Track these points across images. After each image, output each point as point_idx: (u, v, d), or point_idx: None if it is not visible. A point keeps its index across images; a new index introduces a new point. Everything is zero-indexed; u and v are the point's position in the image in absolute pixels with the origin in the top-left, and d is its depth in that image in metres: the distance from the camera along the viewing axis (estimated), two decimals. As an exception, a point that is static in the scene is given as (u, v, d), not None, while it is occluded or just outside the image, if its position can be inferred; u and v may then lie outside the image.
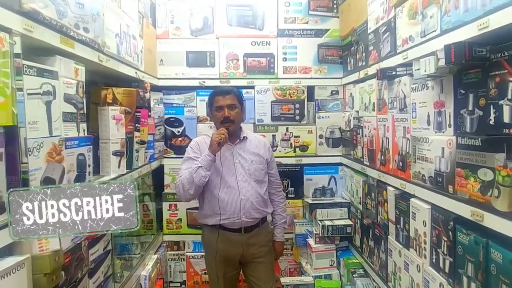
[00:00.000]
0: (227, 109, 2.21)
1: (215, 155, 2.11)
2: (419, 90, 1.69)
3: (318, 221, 2.82)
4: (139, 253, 2.55)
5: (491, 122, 1.20)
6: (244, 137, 2.31)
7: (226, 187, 2.19)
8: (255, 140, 2.36)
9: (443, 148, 1.47)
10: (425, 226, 1.63)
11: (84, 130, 1.58)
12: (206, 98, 3.00)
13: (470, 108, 1.33)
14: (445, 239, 1.47)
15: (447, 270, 1.47)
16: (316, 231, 2.87)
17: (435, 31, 1.53)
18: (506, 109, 1.13)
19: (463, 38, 1.30)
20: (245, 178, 2.22)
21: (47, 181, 1.28)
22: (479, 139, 1.25)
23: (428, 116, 1.62)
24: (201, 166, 2.08)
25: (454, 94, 1.42)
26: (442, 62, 1.31)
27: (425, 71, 1.43)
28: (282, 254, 2.59)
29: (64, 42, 1.37)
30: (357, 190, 2.64)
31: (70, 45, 1.43)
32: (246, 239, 2.23)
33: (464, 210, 1.32)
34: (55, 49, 1.34)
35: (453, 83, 1.42)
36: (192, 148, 2.28)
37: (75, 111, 1.49)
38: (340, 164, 3.06)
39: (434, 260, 1.57)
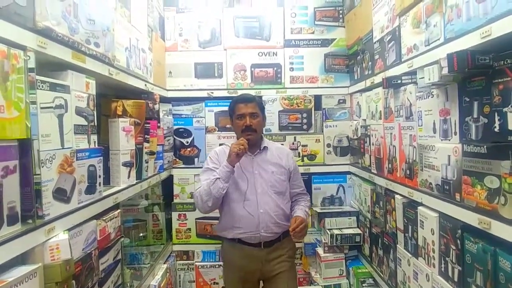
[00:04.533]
0: (249, 117, 2.15)
1: (233, 166, 2.05)
2: (425, 98, 1.69)
3: (327, 230, 2.82)
4: (148, 263, 2.58)
5: (496, 130, 1.20)
6: (264, 147, 2.24)
7: (244, 199, 2.11)
8: (276, 150, 2.28)
9: (449, 156, 1.47)
10: (433, 234, 1.62)
11: (94, 142, 1.62)
12: (214, 108, 3.08)
13: (475, 115, 1.33)
14: (454, 247, 1.46)
15: (456, 279, 1.45)
16: (325, 240, 2.86)
17: (439, 39, 1.54)
18: (510, 116, 1.13)
19: (466, 46, 1.31)
20: (265, 190, 2.13)
21: (59, 191, 1.31)
22: (485, 146, 1.25)
23: (434, 124, 1.62)
24: (219, 178, 2.03)
25: (459, 102, 1.43)
26: (445, 71, 1.32)
27: (429, 79, 1.44)
28: (302, 232, 2.07)
29: (75, 57, 1.42)
30: (365, 198, 2.63)
31: (82, 60, 1.48)
32: (266, 255, 2.12)
33: (472, 218, 1.32)
34: (67, 64, 1.39)
35: (458, 91, 1.43)
36: (211, 159, 2.23)
37: (86, 123, 1.53)
38: (348, 172, 3.05)
39: (443, 269, 1.56)
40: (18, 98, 1.09)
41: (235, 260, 2.15)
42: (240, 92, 3.06)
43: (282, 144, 3.02)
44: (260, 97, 2.98)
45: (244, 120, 2.15)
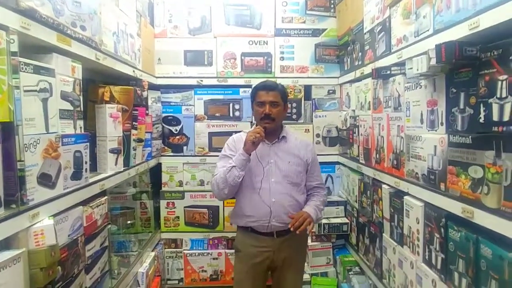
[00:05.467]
0: (268, 105, 2.09)
1: (249, 155, 2.01)
2: (413, 89, 1.70)
3: (315, 219, 2.84)
4: (136, 251, 2.57)
5: (481, 120, 1.22)
6: (283, 136, 2.18)
7: (258, 187, 2.07)
8: (295, 140, 2.22)
9: (435, 146, 1.49)
10: (418, 223, 1.64)
11: (81, 128, 1.59)
12: (204, 96, 3.06)
13: (461, 106, 1.34)
14: (437, 236, 1.49)
15: (439, 266, 1.48)
16: (313, 229, 2.89)
17: (428, 30, 1.55)
18: (495, 107, 1.15)
19: (455, 37, 1.32)
20: (279, 179, 2.08)
21: (43, 177, 1.29)
22: (470, 137, 1.26)
23: (422, 114, 1.63)
24: (235, 166, 2.00)
25: (446, 93, 1.44)
26: (433, 62, 1.33)
27: (417, 70, 1.45)
28: (303, 228, 1.97)
29: (61, 40, 1.39)
30: (353, 188, 2.66)
31: (67, 43, 1.44)
32: (278, 244, 2.09)
33: (455, 207, 1.34)
34: (52, 47, 1.36)
35: (445, 82, 1.44)
36: (228, 146, 2.19)
37: (71, 108, 1.51)
38: (337, 163, 3.07)
39: (427, 257, 1.59)
40: (0, 81, 1.07)
41: (247, 247, 2.13)
42: (229, 81, 3.05)
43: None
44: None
45: (263, 108, 2.09)
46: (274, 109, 2.10)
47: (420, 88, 1.64)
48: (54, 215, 1.35)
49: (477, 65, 1.24)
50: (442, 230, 1.45)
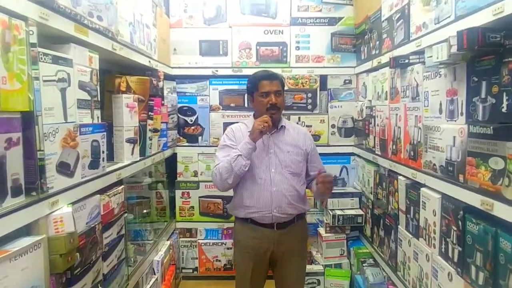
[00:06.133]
0: (274, 95, 2.07)
1: (255, 143, 1.99)
2: (432, 78, 1.66)
3: (329, 211, 2.83)
4: (152, 239, 2.62)
5: (504, 110, 1.18)
6: (282, 126, 2.16)
7: (258, 178, 2.05)
8: (294, 130, 2.20)
9: (454, 137, 1.45)
10: (435, 215, 1.62)
11: (98, 117, 1.61)
12: (219, 87, 3.06)
13: (483, 96, 1.30)
14: (455, 228, 1.46)
15: (455, 259, 1.46)
16: (326, 220, 2.88)
17: (449, 17, 1.50)
18: (519, 97, 1.11)
19: (477, 24, 1.27)
20: (280, 169, 2.06)
21: (62, 165, 1.32)
22: (491, 127, 1.23)
23: (440, 104, 1.59)
24: (241, 155, 1.96)
25: (467, 82, 1.40)
26: (454, 49, 1.29)
27: (437, 58, 1.41)
28: (329, 186, 2.03)
29: (78, 30, 1.40)
30: (368, 180, 2.63)
31: (84, 33, 1.46)
32: (279, 236, 2.06)
33: (474, 199, 1.31)
34: (69, 37, 1.38)
35: (466, 71, 1.40)
36: (227, 136, 2.16)
37: (89, 98, 1.53)
38: (352, 154, 3.04)
39: (443, 250, 1.56)
40: (20, 70, 1.09)
41: (247, 240, 2.11)
42: (244, 71, 3.03)
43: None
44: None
45: (269, 97, 2.06)
46: (279, 98, 2.09)
47: (439, 77, 1.60)
48: (73, 203, 1.38)
49: (500, 53, 1.20)
50: (460, 222, 1.42)
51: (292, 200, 2.06)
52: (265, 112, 2.07)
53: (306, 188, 2.22)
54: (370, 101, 2.59)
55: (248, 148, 1.97)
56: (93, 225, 1.52)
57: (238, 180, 2.05)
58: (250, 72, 2.98)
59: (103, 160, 1.65)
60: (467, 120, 1.41)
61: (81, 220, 1.44)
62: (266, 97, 2.07)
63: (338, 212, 2.77)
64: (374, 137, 2.45)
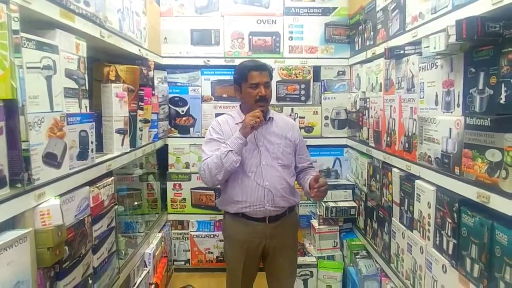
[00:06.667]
0: (263, 87, 2.01)
1: (246, 138, 1.93)
2: (428, 69, 1.64)
3: (322, 203, 2.82)
4: (143, 232, 2.58)
5: (502, 101, 1.16)
6: (270, 117, 2.11)
7: (248, 171, 2.00)
8: (281, 121, 2.16)
9: (450, 129, 1.44)
10: (429, 208, 1.61)
11: (86, 107, 1.56)
12: (211, 77, 3.01)
13: (480, 87, 1.28)
14: (450, 221, 1.45)
15: (450, 251, 1.45)
16: (320, 212, 2.87)
17: (446, 6, 1.47)
18: (518, 88, 1.09)
19: (475, 13, 1.24)
20: (270, 162, 2.02)
21: (49, 156, 1.27)
22: (488, 119, 1.21)
23: (436, 96, 1.58)
24: (232, 150, 1.90)
25: (464, 73, 1.38)
26: (452, 39, 1.27)
27: (434, 48, 1.38)
28: (323, 193, 1.99)
29: (64, 15, 1.34)
30: (362, 172, 2.62)
31: (70, 18, 1.40)
32: (270, 230, 2.03)
33: (470, 192, 1.30)
34: (54, 22, 1.32)
35: (464, 61, 1.38)
36: (214, 129, 2.09)
37: (76, 87, 1.48)
38: (346, 146, 3.03)
39: (437, 242, 1.56)
40: (2, 56, 1.03)
41: (238, 235, 2.07)
42: (237, 61, 2.97)
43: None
44: None
45: (258, 89, 2.00)
46: (268, 90, 2.05)
47: (435, 68, 1.57)
48: (61, 195, 1.33)
49: (499, 43, 1.17)
50: (455, 215, 1.42)
51: (284, 192, 2.04)
52: (253, 105, 2.02)
53: (295, 180, 2.20)
54: (364, 92, 2.57)
55: (239, 143, 1.92)
56: (82, 218, 1.48)
57: (228, 176, 2.00)
58: (242, 62, 2.98)
59: (92, 151, 1.60)
60: (463, 111, 1.39)
61: (69, 212, 1.39)
62: (255, 88, 2.01)
63: (331, 204, 2.76)
64: (368, 129, 2.43)
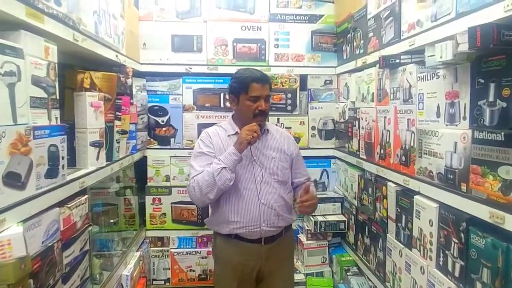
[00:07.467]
0: (264, 100, 1.88)
1: (241, 154, 1.79)
2: (428, 79, 1.56)
3: (310, 217, 2.71)
4: (120, 250, 2.39)
5: (517, 115, 1.08)
6: (265, 129, 1.98)
7: (243, 189, 1.86)
8: (277, 133, 2.03)
9: (456, 143, 1.35)
10: (431, 225, 1.52)
11: (56, 118, 1.39)
12: (193, 85, 2.86)
13: (491, 99, 1.20)
14: (456, 241, 1.36)
15: (457, 274, 1.36)
16: (308, 227, 2.76)
17: (449, 14, 1.40)
18: (536, 100, 1.01)
19: (483, 21, 1.16)
20: (266, 178, 1.89)
21: (11, 176, 1.10)
22: (502, 133, 1.13)
23: (438, 107, 1.49)
24: (225, 167, 1.76)
25: (471, 84, 1.30)
26: (462, 47, 1.18)
27: (441, 57, 1.29)
28: (310, 208, 1.90)
29: (31, 15, 1.18)
30: (351, 184, 2.53)
31: (39, 19, 1.23)
32: (266, 251, 1.89)
33: (481, 211, 1.21)
34: (19, 22, 1.15)
35: (471, 72, 1.30)
36: (203, 142, 1.94)
37: (45, 96, 1.30)
38: (333, 157, 2.94)
39: (441, 263, 1.46)
40: (-48, 60, 0.86)
41: (231, 257, 1.91)
42: (220, 69, 2.85)
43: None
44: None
45: (259, 103, 1.87)
46: (268, 104, 1.93)
47: (437, 78, 1.50)
48: (24, 221, 1.16)
49: (513, 52, 1.10)
50: (462, 235, 1.32)
51: (281, 211, 1.90)
52: (251, 118, 1.88)
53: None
54: (353, 102, 2.49)
55: (234, 160, 1.77)
56: (50, 244, 1.30)
57: (220, 194, 1.84)
58: (226, 70, 2.84)
59: (63, 168, 1.42)
60: (471, 125, 1.31)
61: (35, 239, 1.22)
62: (255, 102, 1.88)
63: (320, 219, 2.65)
64: (359, 140, 2.35)
